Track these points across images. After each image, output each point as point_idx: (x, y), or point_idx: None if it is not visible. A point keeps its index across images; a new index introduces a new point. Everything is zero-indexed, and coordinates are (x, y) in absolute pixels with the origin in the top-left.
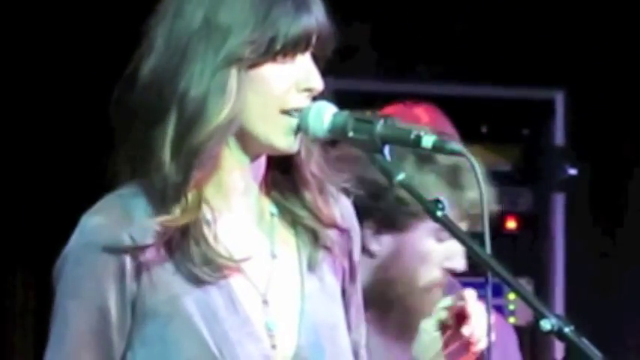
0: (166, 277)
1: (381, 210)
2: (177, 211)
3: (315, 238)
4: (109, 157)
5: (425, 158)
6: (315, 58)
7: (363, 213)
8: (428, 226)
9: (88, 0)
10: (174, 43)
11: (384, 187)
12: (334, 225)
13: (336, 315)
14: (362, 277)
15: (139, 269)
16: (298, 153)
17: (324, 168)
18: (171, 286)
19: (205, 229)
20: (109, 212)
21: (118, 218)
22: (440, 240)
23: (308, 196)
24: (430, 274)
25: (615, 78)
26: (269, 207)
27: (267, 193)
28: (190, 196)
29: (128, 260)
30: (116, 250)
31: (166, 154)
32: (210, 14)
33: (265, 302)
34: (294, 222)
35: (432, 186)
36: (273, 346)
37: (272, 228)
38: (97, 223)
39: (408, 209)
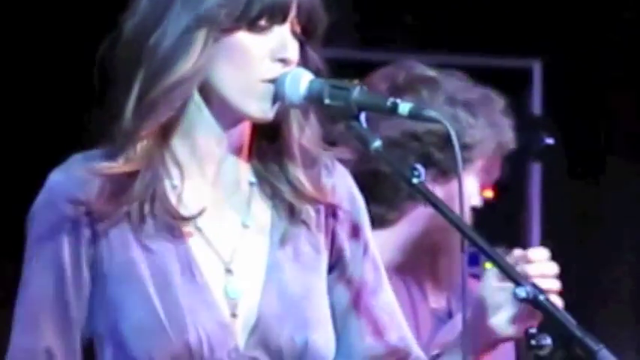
0: (123, 238)
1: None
2: (121, 160)
3: (292, 213)
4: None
5: (453, 99)
6: (307, 34)
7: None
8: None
9: None
10: (156, 4)
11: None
12: (316, 200)
13: (308, 286)
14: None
15: (97, 232)
16: (288, 125)
17: (318, 141)
18: (128, 249)
19: (169, 192)
20: (71, 171)
21: (78, 178)
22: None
23: (292, 169)
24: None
25: (593, 47)
26: (249, 176)
27: (249, 162)
28: (140, 147)
29: (85, 221)
30: (72, 211)
31: (129, 107)
32: None
33: (229, 271)
34: (273, 194)
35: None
36: (234, 315)
37: (249, 197)
38: (58, 181)
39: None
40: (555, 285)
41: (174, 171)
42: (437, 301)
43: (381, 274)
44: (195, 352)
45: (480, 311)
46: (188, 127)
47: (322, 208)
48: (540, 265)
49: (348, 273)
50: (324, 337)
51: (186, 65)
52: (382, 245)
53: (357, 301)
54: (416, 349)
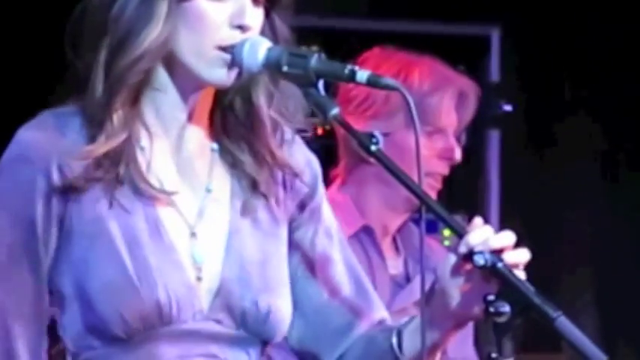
0: (94, 196)
1: None
2: (102, 137)
3: (252, 185)
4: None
5: None
6: (273, 2)
7: None
8: None
9: None
10: None
11: None
12: (276, 171)
13: (267, 251)
14: None
15: (67, 187)
16: (257, 93)
17: (283, 110)
18: (98, 206)
19: (139, 155)
20: (43, 127)
21: (50, 134)
22: None
23: (255, 138)
24: None
25: (551, 13)
26: (210, 143)
27: (211, 129)
28: (117, 118)
29: (56, 177)
30: (44, 166)
31: (98, 76)
32: None
33: (193, 234)
34: (234, 163)
35: None
36: (198, 278)
37: (211, 163)
38: (29, 136)
39: None
40: (524, 256)
41: (142, 133)
42: (395, 266)
43: (338, 240)
44: (164, 311)
45: (440, 298)
46: (152, 91)
47: (280, 177)
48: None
49: (305, 242)
50: (285, 302)
51: (150, 35)
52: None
53: (313, 267)
54: (377, 310)
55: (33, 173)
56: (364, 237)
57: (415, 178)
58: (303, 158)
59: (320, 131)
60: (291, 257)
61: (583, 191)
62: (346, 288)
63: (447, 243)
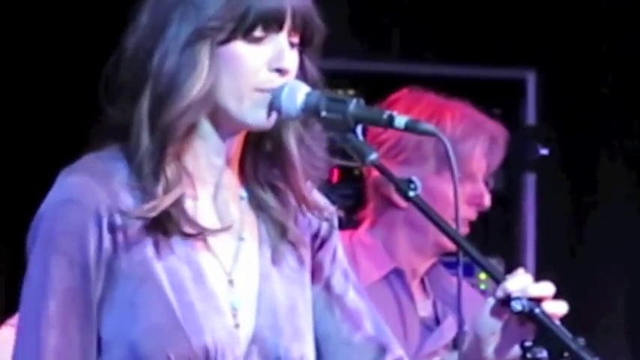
0: (141, 240)
1: None
2: (159, 190)
3: (281, 232)
4: (90, 129)
5: None
6: (305, 44)
7: None
8: None
9: None
10: (155, 20)
11: None
12: (318, 210)
13: (294, 297)
14: None
15: (116, 229)
16: (288, 137)
17: (312, 155)
18: (145, 250)
19: (186, 203)
20: (89, 171)
21: (98, 178)
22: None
23: (294, 182)
24: None
25: (586, 57)
26: (240, 190)
27: (240, 176)
28: (170, 172)
29: (106, 221)
30: (95, 210)
31: (144, 127)
32: None
33: (231, 282)
34: (261, 209)
35: None
36: (237, 325)
37: (241, 211)
38: (77, 180)
39: None
40: (562, 308)
41: (186, 180)
42: (424, 308)
43: (352, 279)
44: (210, 355)
45: (475, 344)
46: (194, 139)
47: (304, 221)
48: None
49: (324, 282)
50: (311, 348)
51: (195, 86)
52: (367, 249)
53: (332, 307)
54: (396, 347)
55: (85, 216)
56: (394, 279)
57: (449, 223)
58: (321, 200)
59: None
60: (314, 300)
61: (620, 236)
62: (367, 326)
63: (482, 287)
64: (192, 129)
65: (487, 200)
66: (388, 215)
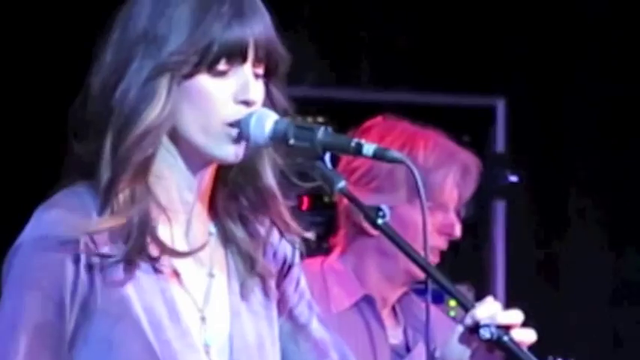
0: (118, 276)
1: None
2: (106, 214)
3: (251, 265)
4: (60, 164)
5: None
6: (269, 74)
7: None
8: None
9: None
10: (118, 56)
11: None
12: (300, 235)
13: (263, 334)
14: None
15: (93, 266)
16: (264, 166)
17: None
18: (123, 286)
19: (159, 235)
20: (67, 207)
21: (75, 213)
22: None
23: (275, 210)
24: None
25: (555, 86)
26: (209, 226)
27: (210, 211)
28: (122, 197)
29: (83, 257)
30: (73, 246)
31: (106, 162)
32: (150, 26)
33: (203, 319)
34: (227, 241)
35: None
36: None
37: (211, 247)
38: (56, 216)
39: None
40: (530, 336)
41: (158, 214)
42: (395, 335)
43: (316, 309)
44: None
45: None
46: (160, 170)
47: (269, 252)
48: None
49: (288, 312)
50: None
51: (152, 113)
52: (338, 276)
53: (297, 336)
54: None
55: (62, 253)
56: (365, 306)
57: (418, 252)
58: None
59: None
60: (280, 332)
61: (591, 264)
62: (333, 356)
63: (452, 314)
64: (153, 159)
65: (458, 230)
66: (359, 243)
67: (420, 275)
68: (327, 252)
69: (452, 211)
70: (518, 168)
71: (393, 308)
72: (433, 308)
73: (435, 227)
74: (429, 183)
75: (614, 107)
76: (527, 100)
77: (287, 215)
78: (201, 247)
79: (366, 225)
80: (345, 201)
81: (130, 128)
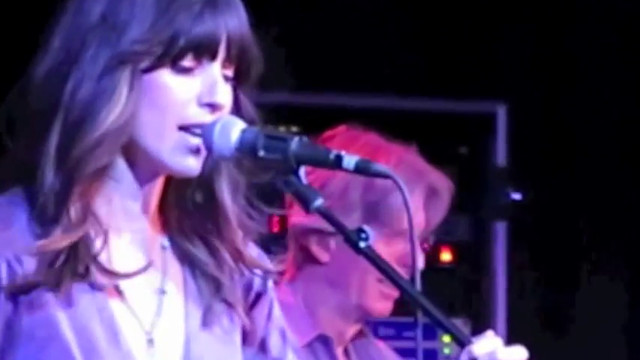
0: (46, 296)
1: None
2: (57, 231)
3: (217, 290)
4: None
5: None
6: (240, 78)
7: None
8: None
9: None
10: (70, 43)
11: None
12: (255, 266)
13: (224, 358)
14: None
15: (17, 286)
16: (220, 184)
17: (248, 203)
18: (51, 307)
19: (95, 250)
20: None
21: (3, 228)
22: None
23: (227, 235)
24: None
25: (564, 88)
26: (161, 238)
27: (162, 224)
28: (74, 211)
29: (4, 274)
30: None
31: (50, 163)
32: (109, 10)
33: (150, 342)
34: (186, 260)
35: None
36: None
37: (163, 261)
38: None
39: None
40: None
41: (96, 227)
42: None
43: (290, 339)
44: None
45: None
46: (106, 180)
47: (237, 277)
48: (510, 351)
49: (259, 343)
50: None
51: (111, 114)
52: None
53: None
54: None
55: None
56: (319, 346)
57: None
58: (256, 252)
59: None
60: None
61: (606, 297)
62: None
63: (446, 351)
64: (104, 166)
65: (420, 261)
66: (307, 270)
67: (378, 311)
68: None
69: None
70: (521, 184)
71: (346, 349)
72: (388, 350)
73: (394, 258)
74: (386, 206)
75: (633, 112)
76: (532, 105)
77: (241, 243)
78: (146, 267)
79: (315, 249)
80: (293, 219)
81: (84, 130)
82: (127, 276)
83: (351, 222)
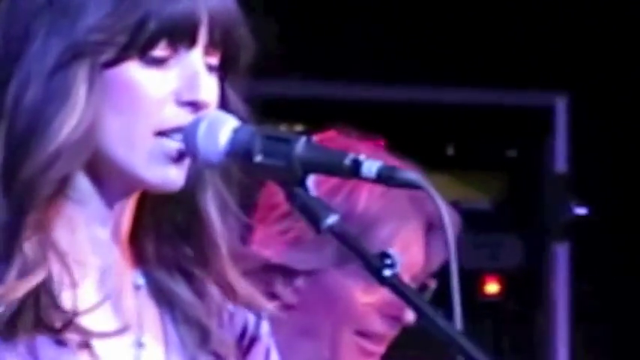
0: (2, 354)
1: None
2: (11, 275)
3: (203, 338)
4: None
5: None
6: (227, 66)
7: None
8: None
9: None
10: (9, 34)
11: None
12: (251, 305)
13: None
14: None
15: None
16: (205, 202)
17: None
18: None
19: (60, 293)
20: None
21: None
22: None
23: (216, 265)
24: None
25: (636, 78)
26: (134, 275)
27: (135, 255)
28: (30, 248)
29: None
30: None
31: None
32: None
33: None
34: (164, 301)
35: None
36: None
37: (137, 305)
38: None
39: None
40: None
41: (57, 265)
42: None
43: None
44: None
45: None
46: (66, 203)
47: (226, 316)
48: None
49: None
50: None
51: (68, 122)
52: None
53: None
54: None
55: None
56: None
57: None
58: (251, 289)
59: None
60: None
61: None
62: None
63: None
64: (63, 187)
65: (409, 314)
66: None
67: None
68: None
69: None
70: (586, 195)
71: None
72: None
73: (376, 307)
74: (370, 239)
75: None
76: (599, 97)
77: (232, 275)
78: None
79: (281, 290)
80: (253, 251)
81: (33, 145)
82: (100, 336)
83: (324, 258)
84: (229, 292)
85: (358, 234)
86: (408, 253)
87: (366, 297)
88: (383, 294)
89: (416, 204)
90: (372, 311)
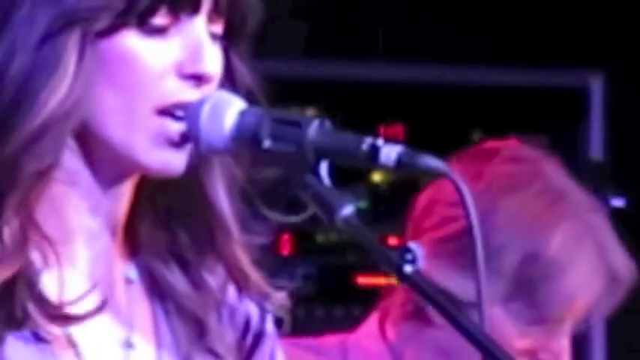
0: None
1: None
2: None
3: (200, 334)
4: None
5: None
6: (232, 36)
7: None
8: None
9: None
10: None
11: None
12: (264, 295)
13: None
14: None
15: None
16: (213, 184)
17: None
18: None
19: (39, 284)
20: None
21: None
22: None
23: (227, 251)
24: None
25: None
26: (126, 268)
27: (128, 246)
28: (9, 232)
29: None
30: None
31: None
32: None
33: None
34: (157, 294)
35: None
36: None
37: (129, 301)
38: None
39: None
40: None
41: (41, 252)
42: None
43: None
44: None
45: None
46: (53, 187)
47: (226, 313)
48: None
49: None
50: None
51: (56, 94)
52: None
53: None
54: None
55: None
56: None
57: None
58: (262, 280)
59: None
60: None
61: None
62: None
63: None
64: (50, 167)
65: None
66: (414, 329)
67: None
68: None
69: (564, 335)
70: (625, 185)
71: None
72: None
73: (523, 350)
74: (548, 289)
75: None
76: (638, 76)
77: (245, 261)
78: (100, 307)
79: (432, 310)
80: (422, 269)
81: (18, 119)
82: (78, 319)
83: (493, 291)
84: (241, 279)
85: (538, 280)
86: (581, 298)
87: (521, 342)
88: (536, 339)
89: (602, 255)
90: (520, 354)
